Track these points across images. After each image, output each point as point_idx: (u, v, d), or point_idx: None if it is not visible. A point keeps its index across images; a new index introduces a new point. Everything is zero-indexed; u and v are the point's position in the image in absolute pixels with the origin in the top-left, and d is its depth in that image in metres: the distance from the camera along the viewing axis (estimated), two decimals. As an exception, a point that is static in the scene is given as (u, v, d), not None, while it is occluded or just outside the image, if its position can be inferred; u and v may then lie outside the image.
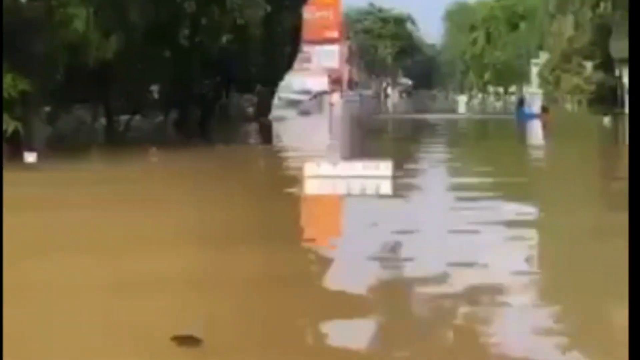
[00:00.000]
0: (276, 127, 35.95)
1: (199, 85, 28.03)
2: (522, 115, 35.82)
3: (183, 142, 23.10)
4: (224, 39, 23.39)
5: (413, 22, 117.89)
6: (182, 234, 8.78)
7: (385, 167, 12.92)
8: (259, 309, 5.78)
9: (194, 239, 8.57)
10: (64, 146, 18.58)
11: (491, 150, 22.89)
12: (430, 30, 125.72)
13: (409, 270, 7.02)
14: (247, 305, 5.89)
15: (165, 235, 8.69)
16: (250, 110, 39.26)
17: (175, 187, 13.18)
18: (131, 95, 24.00)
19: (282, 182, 14.24)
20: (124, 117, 25.01)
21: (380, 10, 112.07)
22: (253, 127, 34.31)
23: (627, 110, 46.82)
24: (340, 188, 12.72)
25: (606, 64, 56.74)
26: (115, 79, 22.59)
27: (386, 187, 12.42)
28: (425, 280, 6.51)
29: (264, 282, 6.59)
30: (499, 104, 79.03)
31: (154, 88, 26.62)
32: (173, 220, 9.59)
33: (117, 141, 21.66)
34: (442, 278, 6.55)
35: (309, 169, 13.13)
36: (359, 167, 13.10)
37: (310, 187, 12.63)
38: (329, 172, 12.92)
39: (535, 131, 30.96)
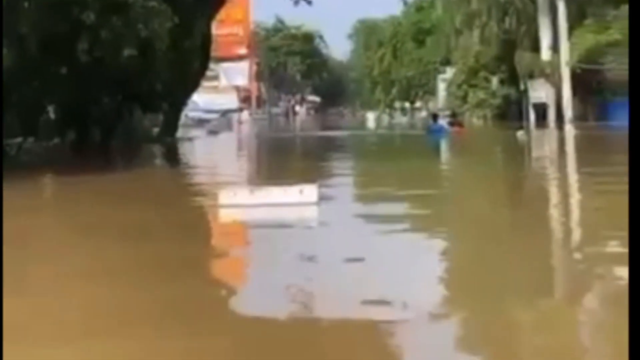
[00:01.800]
0: (183, 148, 34.26)
1: (99, 104, 26.13)
2: (435, 130, 35.55)
3: (81, 165, 21.17)
4: (127, 53, 21.52)
5: (322, 39, 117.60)
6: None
7: (310, 192, 11.45)
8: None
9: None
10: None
11: (412, 169, 21.22)
12: (339, 47, 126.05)
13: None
14: None
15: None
16: (156, 130, 37.44)
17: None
18: (24, 116, 22.03)
19: (190, 213, 12.59)
20: (16, 141, 23.00)
21: (288, 27, 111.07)
22: (158, 148, 32.53)
23: (531, 124, 47.12)
24: (260, 217, 11.14)
25: (511, 78, 57.52)
26: (6, 99, 20.67)
27: (312, 214, 11.02)
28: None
29: None
30: (404, 119, 79.07)
31: (50, 108, 24.60)
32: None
33: (8, 166, 19.68)
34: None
35: (224, 196, 11.60)
36: (279, 192, 11.58)
37: (225, 218, 11.16)
38: (246, 201, 11.39)
39: (452, 146, 30.34)
